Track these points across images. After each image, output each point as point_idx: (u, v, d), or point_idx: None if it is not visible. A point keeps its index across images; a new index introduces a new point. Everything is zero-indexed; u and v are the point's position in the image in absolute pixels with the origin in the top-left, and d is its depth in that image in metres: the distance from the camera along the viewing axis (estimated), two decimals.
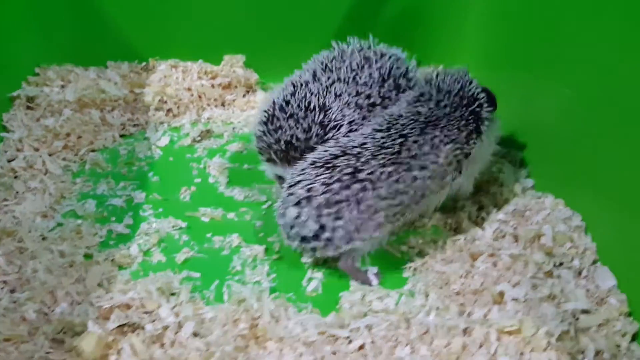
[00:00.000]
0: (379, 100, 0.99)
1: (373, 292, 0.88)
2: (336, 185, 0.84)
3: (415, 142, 0.88)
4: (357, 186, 0.84)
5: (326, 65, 1.02)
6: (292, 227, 0.87)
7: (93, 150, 1.16)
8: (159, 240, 0.95)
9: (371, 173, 0.85)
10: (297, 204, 0.86)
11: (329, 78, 1.00)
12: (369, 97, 0.99)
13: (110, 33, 1.32)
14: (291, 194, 0.87)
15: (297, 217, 0.86)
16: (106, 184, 1.07)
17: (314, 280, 0.90)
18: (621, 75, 0.84)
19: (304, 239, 0.86)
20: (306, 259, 0.93)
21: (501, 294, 0.83)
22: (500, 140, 1.14)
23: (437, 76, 0.97)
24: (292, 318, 0.81)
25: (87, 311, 0.81)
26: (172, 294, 0.85)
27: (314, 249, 0.87)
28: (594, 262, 0.89)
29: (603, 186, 0.90)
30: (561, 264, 0.88)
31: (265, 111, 1.00)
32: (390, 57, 1.02)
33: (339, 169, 0.85)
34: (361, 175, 0.84)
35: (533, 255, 0.88)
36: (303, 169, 0.88)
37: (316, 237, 0.86)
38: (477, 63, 1.25)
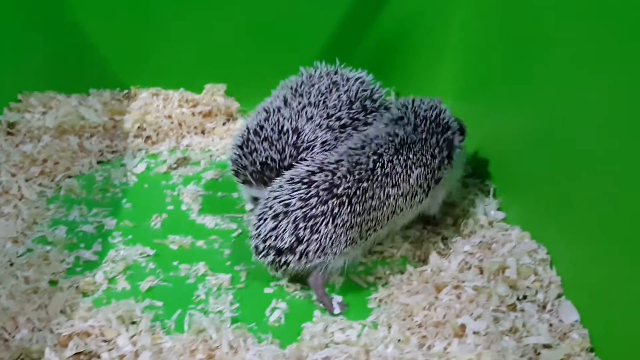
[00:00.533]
0: (349, 122, 1.02)
1: (336, 323, 0.87)
2: (313, 200, 0.87)
3: (389, 161, 0.91)
4: (333, 201, 0.87)
5: (296, 90, 1.06)
6: (266, 240, 0.88)
7: (69, 177, 1.16)
8: (125, 267, 0.95)
9: (347, 188, 0.87)
10: (275, 217, 0.88)
11: (299, 103, 1.03)
12: (339, 119, 1.02)
13: (93, 61, 1.34)
14: (269, 208, 0.89)
15: (274, 229, 0.87)
16: (78, 211, 1.08)
17: (277, 310, 0.89)
18: (590, 114, 0.84)
19: (279, 252, 0.88)
20: (276, 275, 0.93)
21: (462, 327, 0.83)
22: (475, 170, 1.15)
23: (413, 102, 1.01)
24: (250, 349, 0.81)
25: (45, 338, 0.81)
26: (133, 323, 0.85)
27: (287, 263, 0.88)
28: (559, 296, 0.88)
29: (568, 220, 0.90)
30: (525, 297, 0.88)
31: (240, 136, 1.03)
32: (355, 80, 1.06)
33: (315, 184, 0.88)
34: (338, 191, 0.87)
35: (497, 288, 0.87)
36: (280, 186, 0.91)
37: (291, 249, 0.87)
38: (452, 94, 1.26)
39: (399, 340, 0.83)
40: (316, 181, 0.88)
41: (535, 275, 0.90)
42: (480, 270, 0.92)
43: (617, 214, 0.79)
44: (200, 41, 1.36)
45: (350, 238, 0.88)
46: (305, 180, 0.89)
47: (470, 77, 1.23)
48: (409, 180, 0.92)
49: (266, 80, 1.22)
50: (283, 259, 0.88)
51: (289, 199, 0.88)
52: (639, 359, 0.75)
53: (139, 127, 1.28)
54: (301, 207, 0.87)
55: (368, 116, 1.04)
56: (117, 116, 1.30)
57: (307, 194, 0.87)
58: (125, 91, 1.37)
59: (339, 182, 0.88)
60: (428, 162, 0.94)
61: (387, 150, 0.92)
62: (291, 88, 1.07)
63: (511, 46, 1.07)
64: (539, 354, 0.80)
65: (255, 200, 1.03)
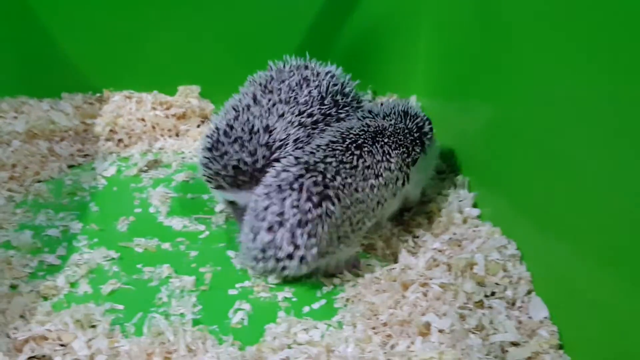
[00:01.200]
0: (321, 118, 1.00)
1: (300, 323, 0.85)
2: (307, 206, 0.86)
3: (369, 152, 0.93)
4: (327, 202, 0.87)
5: (265, 86, 1.03)
6: (264, 250, 0.88)
7: (39, 181, 1.15)
8: (88, 271, 0.93)
9: (338, 188, 0.88)
10: (270, 229, 0.87)
11: (269, 100, 1.00)
12: (311, 115, 1.00)
13: (66, 65, 1.33)
14: (262, 220, 0.88)
15: (271, 241, 0.87)
16: (45, 215, 1.06)
17: (241, 311, 0.87)
18: (561, 112, 0.83)
19: (278, 260, 0.88)
20: (275, 280, 0.93)
21: (427, 325, 0.81)
22: (449, 167, 1.14)
23: (381, 103, 1.04)
24: (209, 351, 0.79)
25: (0, 344, 0.79)
26: (92, 327, 0.83)
27: (286, 268, 0.88)
28: (528, 292, 0.86)
29: (540, 215, 0.88)
30: (493, 293, 0.86)
31: (209, 137, 1.00)
32: (326, 75, 1.04)
33: (306, 187, 0.87)
34: (330, 192, 0.87)
35: (464, 284, 0.85)
36: (267, 193, 0.89)
37: (289, 256, 0.87)
38: (427, 92, 1.25)
39: (362, 340, 0.81)
40: (306, 185, 0.87)
41: (504, 272, 0.88)
42: (449, 267, 0.90)
43: (588, 209, 0.76)
44: (174, 43, 1.35)
45: (342, 234, 0.90)
46: (295, 186, 0.87)
47: (443, 74, 1.22)
48: (389, 167, 0.94)
49: (241, 81, 1.20)
50: (282, 265, 0.88)
51: (282, 209, 0.87)
52: (608, 356, 0.73)
53: (110, 131, 1.27)
54: (295, 215, 0.86)
55: (340, 111, 1.03)
56: (88, 120, 1.29)
57: (298, 199, 0.86)
58: (98, 94, 1.36)
59: (330, 183, 0.88)
60: (401, 142, 0.97)
61: (366, 141, 0.93)
62: (260, 84, 1.04)
63: (481, 44, 1.05)
64: (506, 352, 0.78)
65: (231, 203, 1.01)
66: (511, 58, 0.95)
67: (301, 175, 0.88)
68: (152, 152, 1.25)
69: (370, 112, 1.02)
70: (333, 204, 0.87)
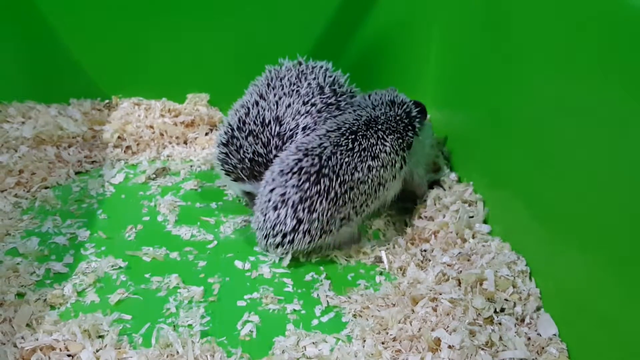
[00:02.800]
0: (323, 107, 1.07)
1: (309, 337, 0.85)
2: (306, 185, 0.94)
3: (363, 136, 0.99)
4: (324, 180, 0.94)
5: (268, 84, 1.10)
6: (273, 227, 0.95)
7: (46, 187, 1.15)
8: (96, 280, 0.93)
9: (334, 166, 0.95)
10: (275, 208, 0.95)
11: (275, 95, 1.07)
12: (314, 104, 1.07)
13: (75, 71, 1.33)
14: (268, 201, 0.95)
15: (277, 217, 0.94)
16: (52, 222, 1.06)
17: (249, 323, 0.87)
18: (573, 125, 0.83)
19: (284, 236, 0.95)
20: (285, 258, 0.98)
21: (437, 340, 0.80)
22: (460, 179, 1.14)
23: (369, 95, 1.11)
24: None
25: (7, 353, 0.78)
26: (100, 337, 0.83)
27: (293, 240, 0.95)
28: (537, 308, 0.86)
29: (549, 231, 0.88)
30: (503, 309, 0.85)
31: (224, 133, 1.07)
32: (320, 68, 1.11)
33: (304, 170, 0.94)
34: (325, 171, 0.94)
35: (474, 300, 0.85)
36: (273, 179, 0.97)
37: (294, 229, 0.94)
38: (436, 102, 1.25)
39: (372, 355, 0.80)
40: (304, 167, 0.94)
41: (513, 288, 0.87)
42: (458, 282, 0.90)
43: (598, 226, 0.76)
44: (184, 51, 1.35)
45: (345, 215, 0.97)
46: (295, 170, 0.95)
47: (453, 85, 1.22)
48: (385, 149, 1.00)
49: None
50: (289, 239, 0.95)
51: (284, 190, 0.94)
52: None
53: (119, 137, 1.27)
54: (296, 193, 0.94)
55: (339, 99, 1.09)
56: (97, 126, 1.29)
57: (299, 180, 0.94)
58: (107, 101, 1.36)
59: (325, 163, 0.95)
60: (394, 128, 1.02)
61: (360, 127, 1.00)
62: (263, 84, 1.11)
63: (491, 54, 1.06)
64: None
65: (248, 194, 1.07)
66: (523, 70, 0.95)
67: (299, 160, 0.95)
68: (160, 160, 1.25)
69: (359, 105, 1.08)
70: (330, 179, 0.94)
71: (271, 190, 0.95)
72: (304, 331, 0.86)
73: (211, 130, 1.35)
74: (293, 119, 1.04)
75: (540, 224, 0.90)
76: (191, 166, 1.24)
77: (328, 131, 1.00)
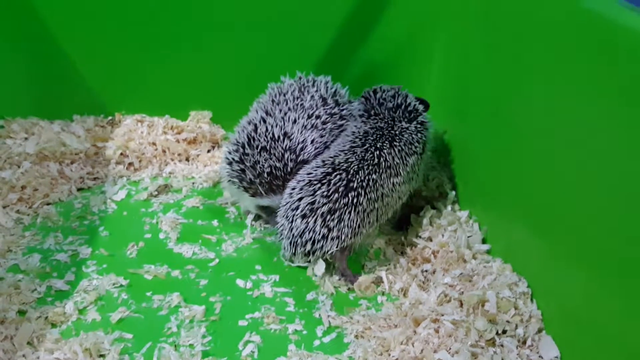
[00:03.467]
0: (328, 118, 1.09)
1: (311, 357, 0.85)
2: (335, 196, 0.96)
3: (389, 154, 1.02)
4: (352, 194, 0.96)
5: (272, 100, 1.12)
6: (301, 236, 0.96)
7: (48, 204, 1.15)
8: (97, 298, 0.93)
9: (361, 181, 0.97)
10: (303, 216, 0.96)
11: (280, 110, 1.09)
12: (318, 117, 1.08)
13: (78, 87, 1.34)
14: (296, 209, 0.97)
15: (306, 225, 0.96)
16: (54, 238, 1.06)
17: (251, 344, 0.87)
18: (570, 145, 0.84)
19: (313, 243, 0.96)
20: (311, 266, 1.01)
21: None
22: (459, 199, 1.14)
23: (374, 93, 1.12)
24: None
25: None
26: (101, 356, 0.83)
27: (322, 248, 0.97)
28: (539, 330, 0.86)
29: (550, 252, 0.88)
30: (504, 331, 0.85)
31: (234, 151, 1.08)
32: (320, 81, 1.14)
33: (333, 182, 0.97)
34: (354, 185, 0.97)
35: (476, 322, 0.85)
36: (300, 189, 0.98)
37: (324, 237, 0.96)
38: (438, 118, 1.26)
39: None
40: (333, 180, 0.97)
41: (515, 309, 0.87)
42: (460, 303, 0.90)
43: (600, 247, 0.77)
44: (187, 68, 1.35)
45: (369, 222, 0.99)
46: (324, 181, 0.97)
47: (453, 103, 1.23)
48: (407, 168, 1.04)
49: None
50: (318, 246, 0.96)
51: (313, 199, 0.96)
52: None
53: (121, 154, 1.27)
54: (325, 204, 0.96)
55: (342, 108, 1.11)
56: (99, 143, 1.29)
57: (328, 191, 0.96)
58: (110, 118, 1.36)
59: (353, 178, 0.97)
60: (416, 149, 1.06)
61: (384, 144, 1.02)
62: (267, 101, 1.12)
63: (493, 75, 1.07)
64: None
65: (264, 209, 1.09)
66: (522, 88, 0.96)
67: (328, 173, 0.98)
68: (162, 177, 1.26)
69: (369, 111, 1.09)
70: (358, 194, 0.97)
71: (299, 199, 0.97)
72: (306, 352, 0.86)
73: (213, 147, 1.35)
74: (300, 133, 1.06)
75: (541, 245, 0.90)
76: (193, 183, 1.24)
77: (352, 147, 1.02)
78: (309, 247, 0.97)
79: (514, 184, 0.99)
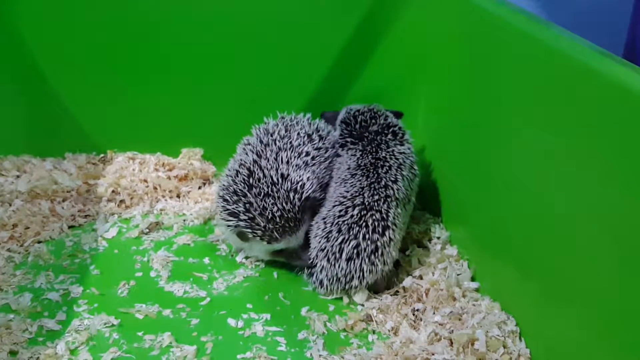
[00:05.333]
0: (316, 153, 1.13)
1: None
2: (375, 236, 1.02)
3: (399, 189, 1.07)
4: (388, 231, 1.03)
5: (261, 141, 1.13)
6: (345, 276, 1.02)
7: (39, 242, 1.15)
8: (88, 338, 0.93)
9: (394, 218, 1.05)
10: (349, 259, 1.02)
11: (271, 151, 1.10)
12: (307, 153, 1.11)
13: (70, 125, 1.35)
14: (340, 252, 1.02)
15: (353, 267, 1.02)
16: (45, 277, 1.06)
17: None
18: (556, 182, 0.86)
19: (361, 282, 1.03)
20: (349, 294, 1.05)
21: None
22: (450, 238, 1.16)
23: (354, 117, 1.18)
24: None
25: None
26: None
27: (366, 283, 1.03)
28: None
29: (538, 290, 0.90)
30: None
31: (235, 202, 1.06)
32: (302, 118, 1.19)
33: (370, 223, 1.02)
34: (389, 223, 1.04)
35: None
36: (338, 231, 1.03)
37: (370, 271, 1.03)
38: (422, 159, 1.29)
39: None
40: (369, 222, 1.02)
41: (504, 348, 0.89)
42: (450, 342, 0.91)
43: (589, 285, 0.78)
44: (178, 106, 1.38)
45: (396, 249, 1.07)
46: (361, 223, 1.02)
47: (440, 146, 1.26)
48: (413, 193, 1.13)
49: None
50: (365, 282, 1.03)
51: (357, 242, 1.01)
52: None
53: (112, 191, 1.28)
54: (368, 245, 1.02)
55: (325, 142, 1.15)
56: (91, 180, 1.30)
57: (367, 233, 1.02)
58: (102, 155, 1.37)
59: (385, 215, 1.04)
60: (412, 168, 1.14)
61: (398, 177, 1.08)
62: (255, 143, 1.13)
63: (478, 119, 1.10)
64: None
65: (278, 252, 1.09)
66: (506, 129, 1.00)
67: (363, 215, 1.03)
68: (153, 214, 1.26)
69: (365, 140, 1.13)
70: (393, 230, 1.03)
71: (341, 242, 1.02)
72: None
73: (204, 184, 1.36)
74: (295, 172, 1.08)
75: (529, 285, 0.92)
76: (184, 220, 1.25)
77: (371, 183, 1.06)
78: (355, 282, 1.02)
79: (502, 222, 1.01)
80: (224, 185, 1.10)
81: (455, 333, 0.91)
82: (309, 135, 1.14)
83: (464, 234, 1.14)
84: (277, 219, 1.04)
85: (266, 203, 1.04)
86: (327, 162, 1.14)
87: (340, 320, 0.99)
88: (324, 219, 1.06)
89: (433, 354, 0.88)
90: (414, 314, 0.99)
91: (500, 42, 1.03)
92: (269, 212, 1.04)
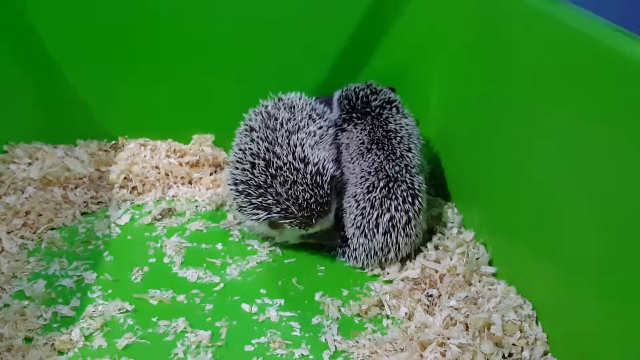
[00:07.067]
0: (321, 132, 1.12)
1: None
2: (406, 206, 1.06)
3: (409, 151, 1.13)
4: (416, 199, 1.07)
5: (267, 126, 1.10)
6: (382, 250, 1.06)
7: (52, 229, 1.15)
8: (103, 324, 0.93)
9: (419, 185, 1.09)
10: (384, 233, 1.05)
11: (282, 136, 1.07)
12: (314, 133, 1.10)
13: (82, 112, 1.35)
14: (376, 226, 1.06)
15: (389, 242, 1.06)
16: (59, 264, 1.06)
17: None
18: (572, 170, 0.85)
19: (397, 254, 1.07)
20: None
21: None
22: (465, 223, 1.15)
23: (356, 94, 1.21)
24: None
25: None
26: None
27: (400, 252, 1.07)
28: (545, 353, 0.86)
29: (555, 274, 0.89)
30: (510, 354, 0.86)
31: (261, 195, 1.04)
32: (299, 97, 1.18)
33: (400, 193, 1.06)
34: (416, 191, 1.08)
35: (482, 345, 0.85)
36: (372, 206, 1.06)
37: (406, 244, 1.07)
38: (438, 140, 1.27)
39: None
40: (398, 192, 1.06)
41: (520, 332, 0.88)
42: (466, 326, 0.90)
43: (605, 269, 0.77)
44: (189, 92, 1.37)
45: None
46: (391, 195, 1.06)
47: (454, 127, 1.24)
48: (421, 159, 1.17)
49: None
50: (401, 254, 1.07)
51: (391, 215, 1.05)
52: None
53: (125, 178, 1.28)
54: (401, 217, 1.05)
55: (323, 120, 1.15)
56: (103, 167, 1.30)
57: (398, 204, 1.06)
58: (113, 142, 1.37)
59: (411, 184, 1.08)
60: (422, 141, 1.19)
61: (412, 145, 1.14)
62: (260, 129, 1.10)
63: (493, 99, 1.08)
64: None
65: (310, 235, 1.08)
66: (524, 109, 0.97)
67: (391, 187, 1.07)
68: (165, 200, 1.26)
69: (370, 115, 1.17)
70: (421, 198, 1.08)
71: (377, 217, 1.05)
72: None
73: (215, 170, 1.36)
74: (312, 154, 1.05)
75: (546, 268, 0.91)
76: (196, 206, 1.25)
77: (387, 155, 1.11)
78: (392, 255, 1.06)
79: (516, 206, 1.00)
80: (241, 180, 1.06)
81: (470, 317, 0.90)
82: (310, 115, 1.14)
83: (478, 218, 1.13)
84: (312, 205, 1.02)
85: (296, 191, 1.02)
86: (332, 138, 1.14)
87: (354, 305, 0.99)
88: (354, 196, 1.08)
89: (449, 339, 0.87)
90: (428, 300, 0.98)
91: (516, 22, 1.01)
92: (301, 200, 1.02)
